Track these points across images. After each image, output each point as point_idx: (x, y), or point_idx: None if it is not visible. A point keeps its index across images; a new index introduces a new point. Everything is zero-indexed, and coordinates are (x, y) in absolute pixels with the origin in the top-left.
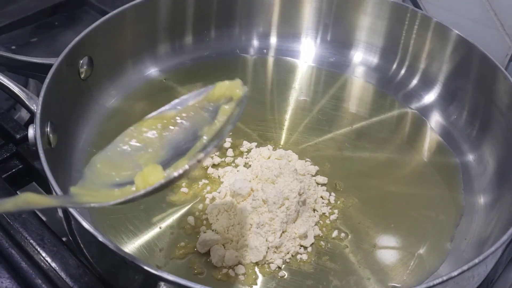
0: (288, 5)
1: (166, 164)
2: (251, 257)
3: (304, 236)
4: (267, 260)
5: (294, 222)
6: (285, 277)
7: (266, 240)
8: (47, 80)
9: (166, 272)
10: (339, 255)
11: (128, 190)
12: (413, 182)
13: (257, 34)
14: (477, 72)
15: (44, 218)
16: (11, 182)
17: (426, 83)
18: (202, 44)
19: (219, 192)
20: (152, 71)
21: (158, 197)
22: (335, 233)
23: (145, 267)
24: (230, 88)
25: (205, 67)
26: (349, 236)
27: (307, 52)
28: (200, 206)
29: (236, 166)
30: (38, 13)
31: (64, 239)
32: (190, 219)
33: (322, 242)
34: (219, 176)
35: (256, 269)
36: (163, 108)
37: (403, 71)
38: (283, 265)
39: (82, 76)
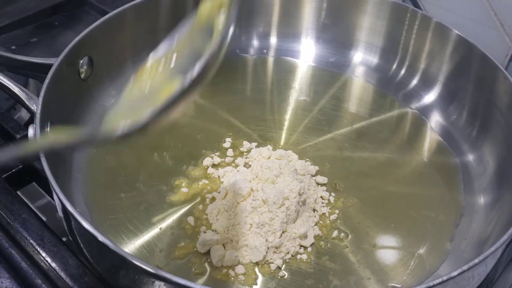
0: (288, 5)
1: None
2: (251, 257)
3: (304, 236)
4: (267, 260)
5: (294, 222)
6: (285, 277)
7: (266, 240)
8: (47, 80)
9: (166, 272)
10: (339, 255)
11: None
12: (413, 182)
13: (257, 34)
14: (477, 72)
15: (44, 218)
16: (11, 182)
17: (426, 83)
18: None
19: (219, 192)
20: None
21: (158, 197)
22: (335, 233)
23: (145, 267)
24: None
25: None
26: (349, 236)
27: (307, 52)
28: (200, 206)
29: (236, 166)
30: (38, 13)
31: (64, 239)
32: (190, 219)
33: (322, 242)
34: (219, 176)
35: (256, 269)
36: (155, 54)
37: (403, 71)
38: (283, 265)
39: (82, 76)
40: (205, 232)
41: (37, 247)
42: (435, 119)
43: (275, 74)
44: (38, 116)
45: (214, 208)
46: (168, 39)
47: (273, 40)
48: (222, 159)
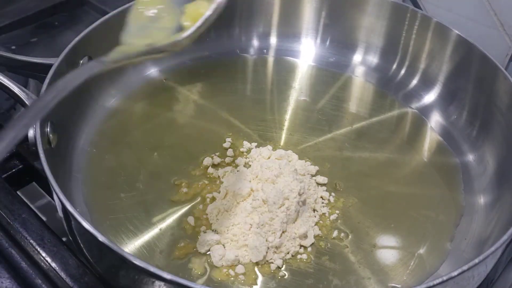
0: (288, 5)
1: None
2: (251, 257)
3: (304, 236)
4: (267, 260)
5: (294, 222)
6: (285, 277)
7: (266, 240)
8: (47, 80)
9: (166, 272)
10: (339, 255)
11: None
12: (413, 182)
13: (257, 34)
14: (477, 72)
15: (44, 218)
16: (11, 182)
17: (426, 83)
18: (202, 44)
19: (219, 192)
20: (152, 71)
21: (158, 197)
22: (335, 233)
23: (145, 267)
24: None
25: (205, 67)
26: (349, 236)
27: (307, 52)
28: (200, 206)
29: (236, 166)
30: (38, 13)
31: (64, 239)
32: (190, 219)
33: (322, 242)
34: (219, 176)
35: (256, 269)
36: None
37: (403, 71)
38: (283, 265)
39: None
40: (205, 232)
41: (37, 247)
42: (435, 119)
43: (275, 74)
44: None
45: (214, 208)
46: None
47: (273, 40)
48: (222, 159)
